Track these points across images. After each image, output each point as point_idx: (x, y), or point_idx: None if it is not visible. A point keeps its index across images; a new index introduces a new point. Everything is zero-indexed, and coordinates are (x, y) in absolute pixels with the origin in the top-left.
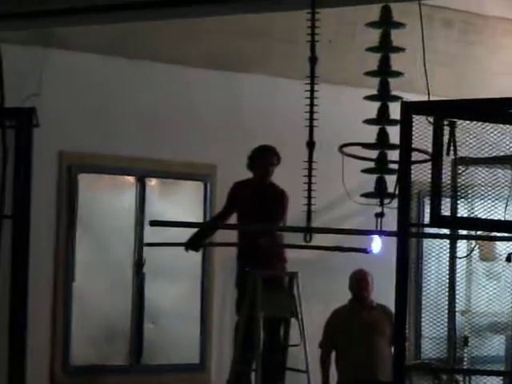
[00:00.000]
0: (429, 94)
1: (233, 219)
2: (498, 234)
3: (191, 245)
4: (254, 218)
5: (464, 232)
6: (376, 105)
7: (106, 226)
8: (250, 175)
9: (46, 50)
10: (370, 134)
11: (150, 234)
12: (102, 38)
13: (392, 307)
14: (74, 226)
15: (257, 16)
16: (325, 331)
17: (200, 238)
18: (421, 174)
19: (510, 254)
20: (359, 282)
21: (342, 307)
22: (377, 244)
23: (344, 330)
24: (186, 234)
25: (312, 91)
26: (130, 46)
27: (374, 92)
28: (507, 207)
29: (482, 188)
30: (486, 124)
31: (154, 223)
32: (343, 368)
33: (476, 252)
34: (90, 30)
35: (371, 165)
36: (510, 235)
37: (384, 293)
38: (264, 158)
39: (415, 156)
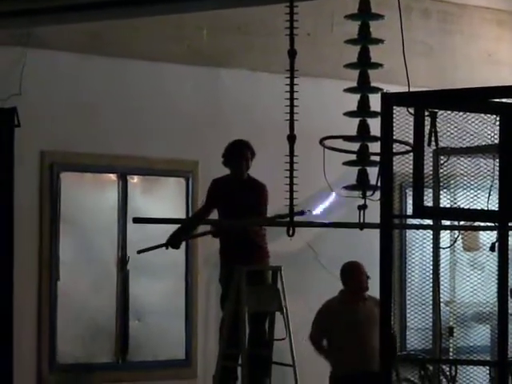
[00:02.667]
0: (409, 85)
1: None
2: (482, 224)
3: (171, 243)
4: (235, 213)
5: (447, 222)
6: (356, 97)
7: (89, 223)
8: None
9: (26, 49)
10: (351, 126)
11: (133, 231)
12: (81, 36)
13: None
14: (57, 224)
15: (235, 10)
16: (316, 323)
17: (180, 236)
18: (403, 165)
19: (493, 244)
20: (359, 275)
21: (333, 299)
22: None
23: (339, 322)
24: (168, 230)
25: (292, 85)
26: (110, 43)
27: (354, 84)
28: (490, 196)
29: (465, 178)
30: (467, 114)
31: (136, 220)
32: (339, 360)
33: (459, 242)
34: (69, 29)
35: (353, 157)
36: (492, 225)
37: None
38: (237, 153)
39: (397, 147)
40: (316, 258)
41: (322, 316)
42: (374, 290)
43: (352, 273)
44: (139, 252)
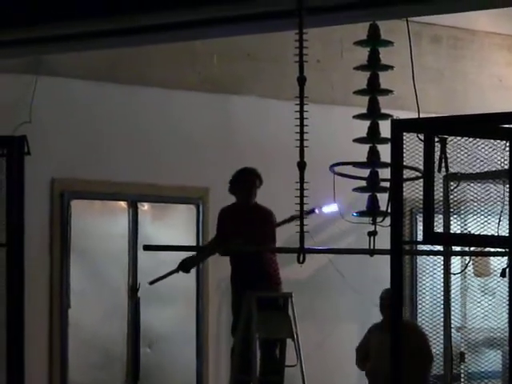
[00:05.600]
0: (419, 111)
1: None
2: (492, 250)
3: (183, 268)
4: (243, 240)
5: (458, 248)
6: (366, 123)
7: (100, 251)
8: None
9: (36, 77)
10: (361, 152)
11: (144, 259)
12: (92, 64)
13: None
14: (67, 252)
15: (245, 38)
16: (362, 340)
17: (191, 261)
18: (413, 191)
19: (504, 270)
20: (385, 300)
21: (375, 324)
22: (331, 206)
23: (370, 348)
24: (179, 257)
25: (301, 111)
26: (121, 71)
27: (364, 110)
28: (500, 222)
29: (475, 204)
30: (477, 139)
31: (147, 248)
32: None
33: (470, 268)
34: (80, 56)
35: (363, 183)
36: (503, 250)
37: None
38: (246, 180)
39: (407, 173)
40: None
41: (363, 339)
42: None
43: (383, 300)
44: (151, 283)
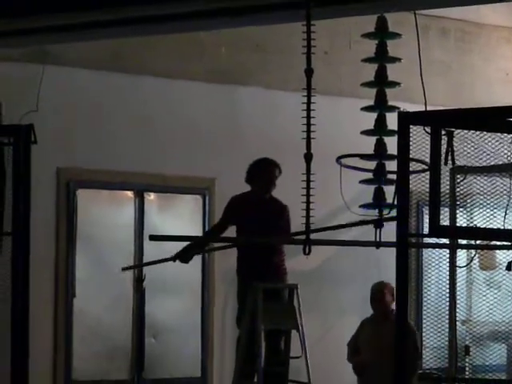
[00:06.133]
0: (426, 104)
1: (230, 232)
2: (498, 243)
3: (180, 257)
4: (257, 231)
5: (464, 241)
6: (373, 115)
7: (106, 241)
8: (248, 188)
9: (43, 66)
10: (368, 144)
11: (150, 249)
12: (99, 53)
13: None
14: (73, 241)
15: (252, 29)
16: (350, 340)
17: (190, 250)
18: (419, 183)
19: (510, 263)
20: (380, 297)
21: (367, 318)
22: None
23: (362, 342)
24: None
25: (309, 103)
26: (127, 60)
27: (371, 102)
28: (506, 215)
29: (481, 197)
30: (484, 133)
31: (153, 238)
32: (362, 380)
33: (476, 261)
34: (87, 46)
35: (369, 175)
36: (509, 244)
37: None
38: (268, 171)
39: (413, 166)
40: (331, 277)
41: (355, 333)
42: None
43: (373, 294)
44: (124, 269)
